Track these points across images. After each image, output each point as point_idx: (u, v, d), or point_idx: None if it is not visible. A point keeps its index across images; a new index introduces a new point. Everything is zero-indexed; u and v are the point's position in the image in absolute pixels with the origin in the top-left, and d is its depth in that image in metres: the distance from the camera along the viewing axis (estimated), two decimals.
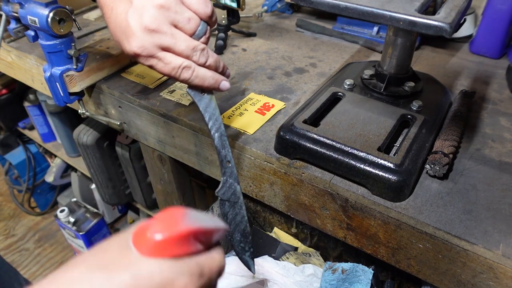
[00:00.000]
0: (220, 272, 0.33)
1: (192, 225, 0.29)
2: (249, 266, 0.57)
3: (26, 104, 1.55)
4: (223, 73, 0.53)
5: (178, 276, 0.28)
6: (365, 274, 0.65)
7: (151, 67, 0.49)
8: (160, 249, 0.28)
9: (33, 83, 1.00)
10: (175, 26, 0.47)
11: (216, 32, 0.96)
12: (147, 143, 0.87)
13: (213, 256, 0.32)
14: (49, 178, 1.71)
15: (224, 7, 0.92)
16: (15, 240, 1.76)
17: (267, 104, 0.75)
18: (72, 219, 1.46)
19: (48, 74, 0.77)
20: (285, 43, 0.99)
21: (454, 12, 0.50)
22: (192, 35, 0.49)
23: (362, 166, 0.55)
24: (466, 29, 0.97)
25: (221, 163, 0.54)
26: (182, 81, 0.50)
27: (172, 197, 1.00)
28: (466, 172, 0.60)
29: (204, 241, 0.32)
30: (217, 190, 0.54)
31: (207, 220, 0.32)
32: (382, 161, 0.55)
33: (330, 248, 0.81)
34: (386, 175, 0.54)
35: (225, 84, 0.53)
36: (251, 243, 0.57)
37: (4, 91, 1.57)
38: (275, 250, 0.80)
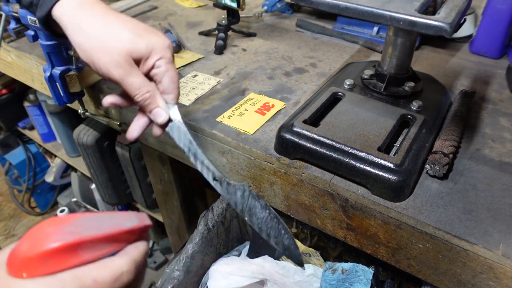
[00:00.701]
0: (119, 279, 0.30)
1: (64, 240, 0.28)
2: (301, 265, 0.50)
3: (26, 104, 1.55)
4: None
5: None
6: (365, 274, 0.65)
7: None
8: (29, 268, 0.27)
9: (33, 83, 1.00)
10: None
11: (216, 32, 0.96)
12: (147, 143, 0.87)
13: (104, 265, 0.30)
14: (49, 178, 1.71)
15: (224, 7, 0.92)
16: (15, 240, 1.76)
17: (267, 104, 0.75)
18: None
19: (48, 74, 0.77)
20: (285, 43, 0.99)
21: (454, 12, 0.50)
22: None
23: (362, 166, 0.55)
24: (466, 29, 0.97)
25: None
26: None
27: (172, 197, 1.00)
28: (466, 172, 0.60)
29: (96, 248, 0.30)
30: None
31: (103, 224, 0.31)
32: (382, 161, 0.55)
33: (330, 248, 0.81)
34: (386, 175, 0.54)
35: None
36: (291, 237, 0.49)
37: (4, 91, 1.57)
38: (275, 250, 0.80)
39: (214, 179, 0.49)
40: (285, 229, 0.48)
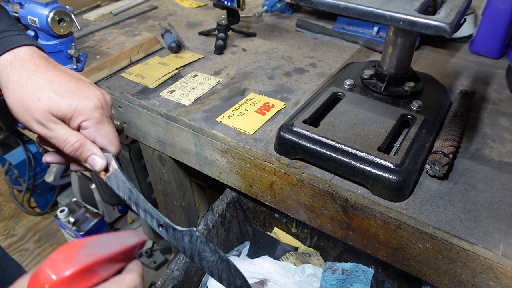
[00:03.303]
0: None
1: (85, 261, 0.30)
2: None
3: None
4: None
5: None
6: (365, 274, 0.65)
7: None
8: None
9: None
10: None
11: (216, 32, 0.96)
12: (147, 143, 0.87)
13: (120, 281, 0.33)
14: (49, 178, 1.71)
15: (224, 7, 0.92)
16: (15, 240, 1.76)
17: (267, 104, 0.75)
18: (72, 219, 1.46)
19: None
20: (285, 43, 0.99)
21: (454, 12, 0.50)
22: None
23: (362, 166, 0.55)
24: (466, 29, 0.97)
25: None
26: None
27: (172, 197, 1.00)
28: (466, 172, 0.60)
29: (109, 266, 0.33)
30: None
31: (111, 243, 0.33)
32: (382, 161, 0.55)
33: (330, 248, 0.81)
34: (386, 175, 0.54)
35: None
36: (242, 276, 0.48)
37: None
38: (275, 250, 0.80)
39: (159, 225, 0.47)
40: (236, 270, 0.47)
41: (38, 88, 0.47)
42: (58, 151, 0.51)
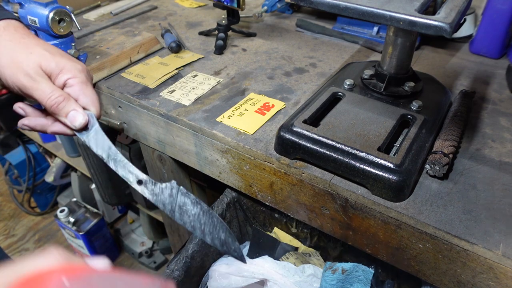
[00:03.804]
0: None
1: None
2: (242, 259, 0.50)
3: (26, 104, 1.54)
4: None
5: None
6: (365, 274, 0.65)
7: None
8: None
9: None
10: None
11: (216, 32, 0.96)
12: (147, 143, 0.87)
13: None
14: (49, 178, 1.72)
15: (224, 7, 0.92)
16: (15, 240, 1.76)
17: (267, 104, 0.75)
18: (72, 219, 1.46)
19: None
20: (285, 43, 0.99)
21: (454, 12, 0.50)
22: None
23: (362, 166, 0.55)
24: (466, 29, 0.97)
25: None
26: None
27: None
28: (466, 172, 0.60)
29: None
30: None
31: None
32: (382, 161, 0.55)
33: (330, 248, 0.81)
34: (386, 175, 0.54)
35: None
36: (227, 229, 0.47)
37: (4, 91, 1.57)
38: (275, 250, 0.80)
39: (138, 182, 0.46)
40: (220, 222, 0.46)
41: (30, 45, 0.50)
42: (35, 112, 0.53)
